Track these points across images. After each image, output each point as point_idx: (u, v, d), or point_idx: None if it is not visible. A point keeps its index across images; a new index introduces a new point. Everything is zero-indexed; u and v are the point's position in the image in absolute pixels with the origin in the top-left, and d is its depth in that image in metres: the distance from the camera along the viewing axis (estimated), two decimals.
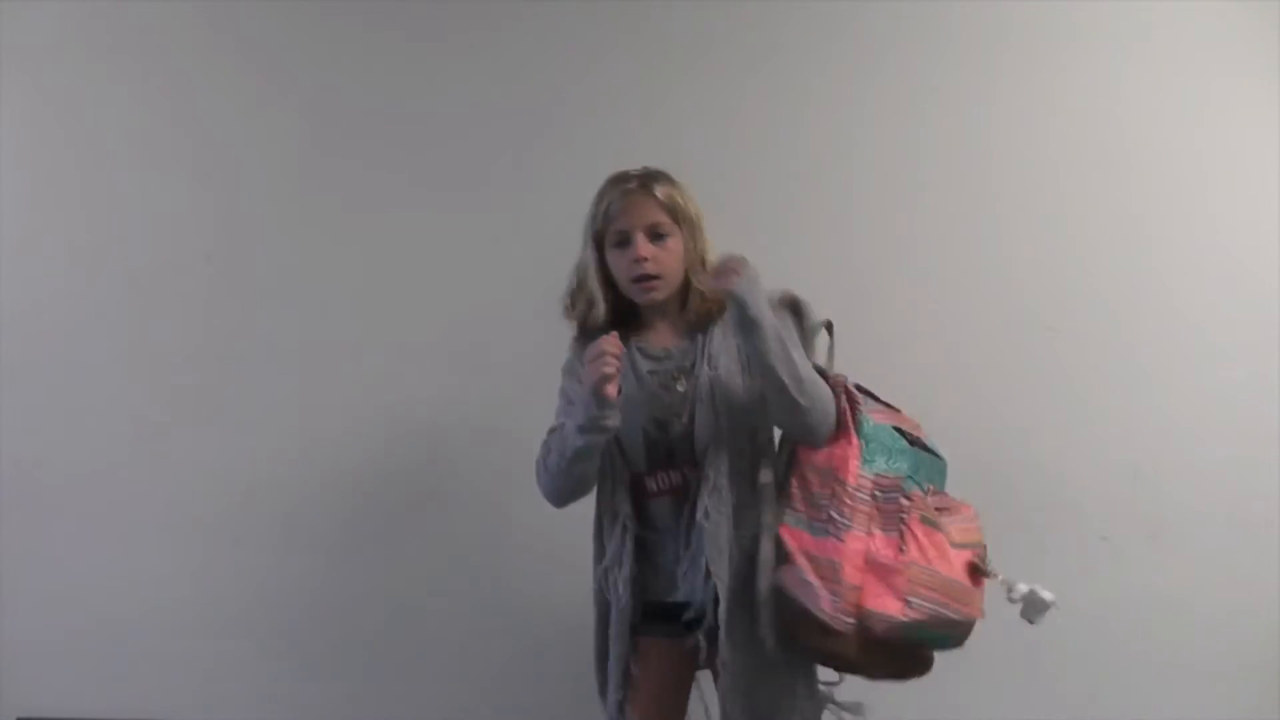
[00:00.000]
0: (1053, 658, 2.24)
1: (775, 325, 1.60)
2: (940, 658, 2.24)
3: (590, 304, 1.75)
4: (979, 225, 2.25)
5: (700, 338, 1.73)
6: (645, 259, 1.67)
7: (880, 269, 2.26)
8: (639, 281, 1.69)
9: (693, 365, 1.71)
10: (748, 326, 1.58)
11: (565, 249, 2.27)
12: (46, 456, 2.30)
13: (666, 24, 2.27)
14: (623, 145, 2.26)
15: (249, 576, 2.29)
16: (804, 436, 1.67)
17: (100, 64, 2.29)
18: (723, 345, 1.71)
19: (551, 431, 1.77)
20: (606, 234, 1.72)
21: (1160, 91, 2.25)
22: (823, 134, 2.26)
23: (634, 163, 2.21)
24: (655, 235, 1.69)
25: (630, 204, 1.69)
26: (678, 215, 1.70)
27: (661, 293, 1.71)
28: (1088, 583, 2.23)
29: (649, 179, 1.73)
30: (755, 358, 1.60)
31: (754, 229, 2.13)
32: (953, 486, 2.24)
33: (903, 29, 2.26)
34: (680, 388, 1.70)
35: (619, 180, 1.73)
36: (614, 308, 1.75)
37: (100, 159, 2.30)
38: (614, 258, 1.71)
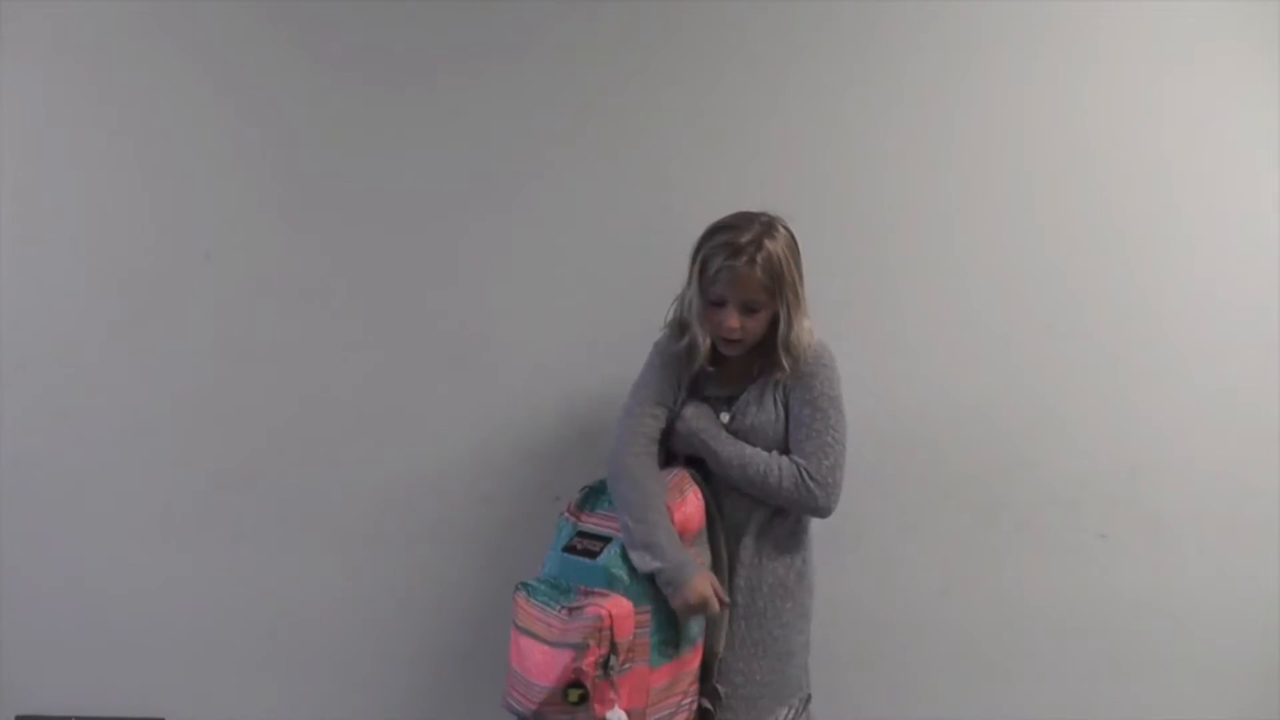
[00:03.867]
0: (1052, 656, 2.25)
1: (716, 449, 1.82)
2: (939, 657, 2.26)
3: (692, 344, 1.83)
4: (978, 225, 2.25)
5: (753, 383, 1.86)
6: (734, 328, 1.78)
7: (879, 269, 2.25)
8: (725, 341, 1.82)
9: (735, 403, 1.86)
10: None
11: (566, 248, 2.28)
12: (45, 455, 2.29)
13: (684, 26, 2.26)
14: (628, 145, 2.27)
15: (248, 575, 2.28)
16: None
17: (100, 63, 2.28)
18: (760, 396, 1.84)
19: (634, 439, 1.87)
20: (707, 288, 1.79)
21: (1159, 92, 2.25)
22: (827, 138, 2.25)
23: (642, 167, 2.25)
24: (748, 309, 1.78)
25: (735, 277, 1.76)
26: (776, 288, 1.77)
27: (740, 351, 1.83)
28: (1086, 581, 2.24)
29: (758, 252, 1.75)
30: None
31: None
32: (953, 486, 2.26)
33: (892, 34, 2.26)
34: (724, 418, 1.86)
35: (732, 248, 1.76)
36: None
37: (99, 157, 2.29)
38: (710, 311, 1.80)
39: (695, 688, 1.79)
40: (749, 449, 1.81)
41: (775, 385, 1.84)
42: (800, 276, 1.80)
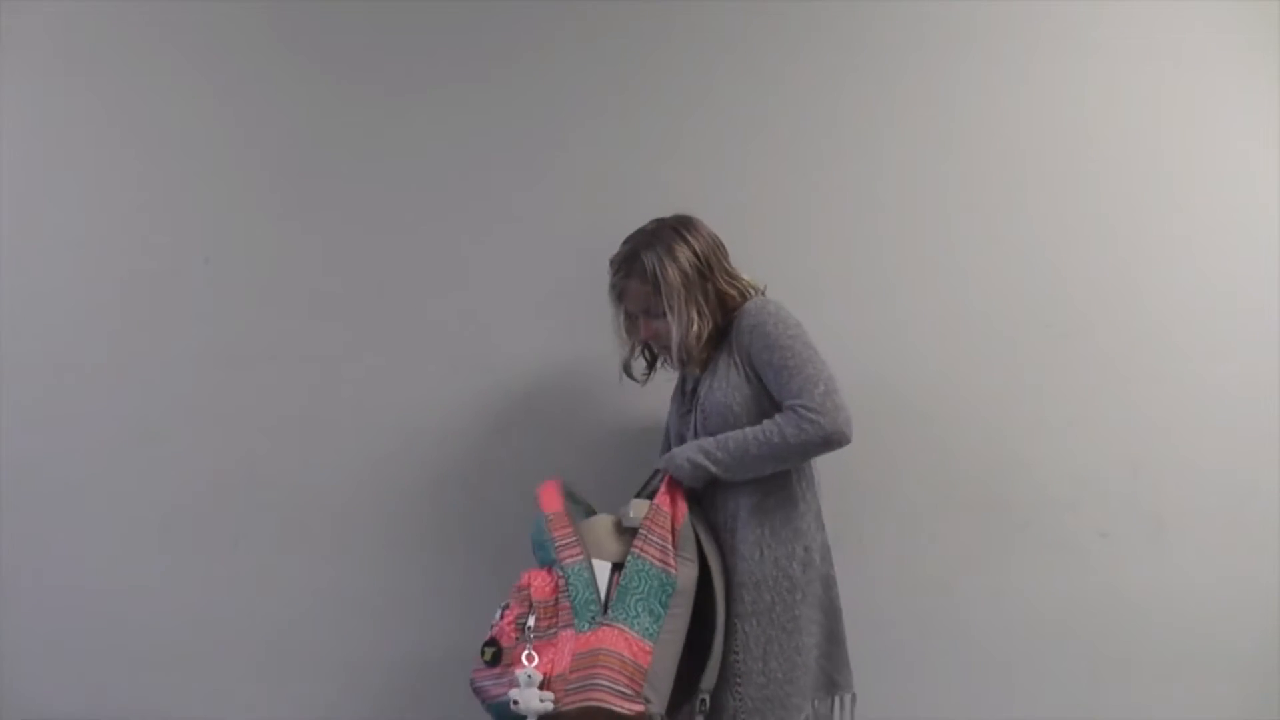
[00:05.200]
0: (1053, 654, 2.24)
1: (713, 457, 1.79)
2: (940, 656, 2.26)
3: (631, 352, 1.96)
4: (977, 224, 2.25)
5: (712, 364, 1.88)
6: (648, 337, 1.90)
7: (880, 269, 2.26)
8: (657, 348, 1.93)
9: (699, 381, 1.89)
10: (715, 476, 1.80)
11: (567, 250, 2.29)
12: (46, 460, 2.29)
13: (679, 27, 2.27)
14: (628, 147, 2.28)
15: (249, 578, 2.28)
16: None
17: (100, 64, 2.29)
18: (714, 365, 1.86)
19: None
20: (616, 304, 1.91)
21: (1160, 91, 2.25)
22: (824, 138, 2.26)
23: (641, 168, 2.25)
24: (652, 315, 1.86)
25: (624, 292, 1.88)
26: (663, 291, 1.82)
27: (677, 355, 1.86)
28: (1087, 580, 2.24)
29: (630, 264, 1.86)
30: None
31: (758, 231, 2.16)
32: (953, 485, 2.26)
33: (891, 34, 2.26)
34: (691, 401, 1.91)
35: (614, 264, 1.89)
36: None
37: (99, 160, 2.30)
38: (631, 325, 1.92)
39: (636, 687, 1.62)
40: (735, 435, 1.78)
41: (728, 349, 1.84)
42: (695, 274, 1.83)
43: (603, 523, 1.82)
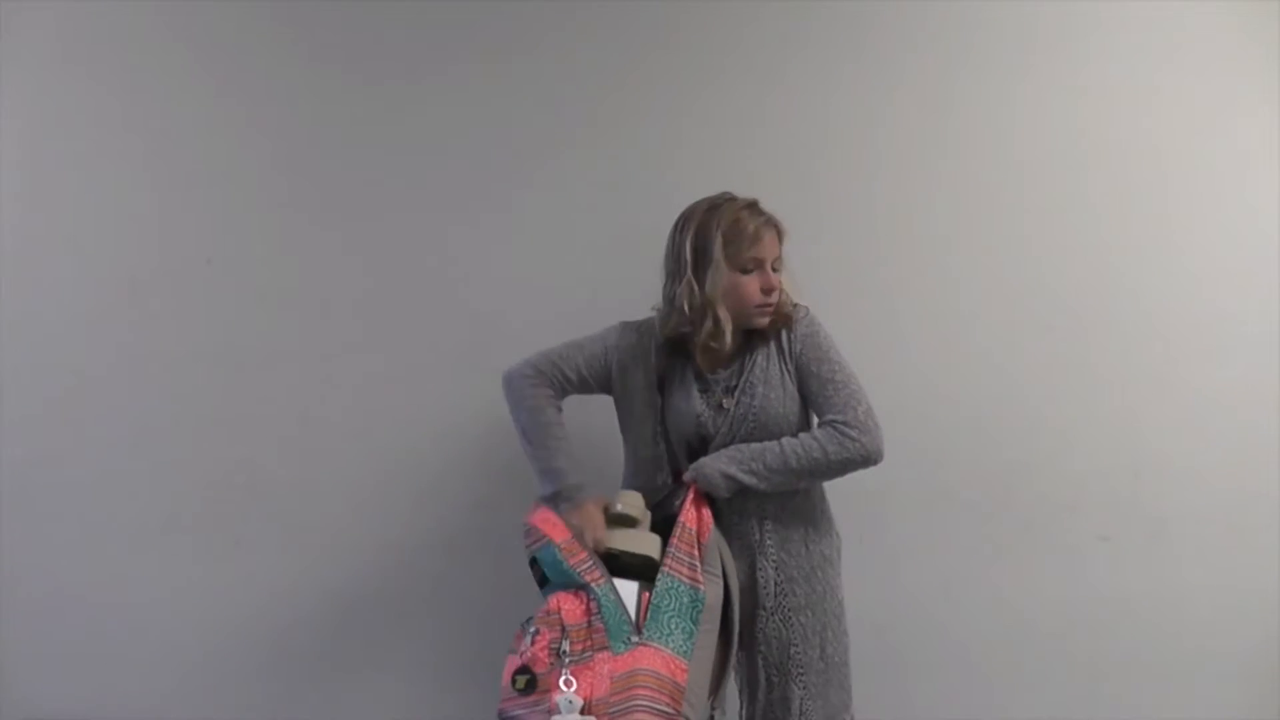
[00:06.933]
0: (1053, 658, 2.25)
1: (749, 469, 1.77)
2: (940, 659, 2.27)
3: (716, 328, 1.81)
4: (979, 225, 2.26)
5: (747, 360, 1.85)
6: (777, 285, 1.81)
7: (881, 268, 2.26)
8: (761, 307, 1.81)
9: (737, 386, 1.85)
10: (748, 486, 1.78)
11: (565, 252, 2.29)
12: (48, 461, 2.29)
13: (681, 27, 2.27)
14: (627, 147, 2.28)
15: (250, 579, 2.28)
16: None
17: (101, 65, 2.29)
18: (764, 373, 1.84)
19: (538, 375, 1.90)
20: (735, 256, 1.79)
21: (1160, 92, 2.26)
22: (822, 139, 2.27)
23: (641, 167, 2.26)
24: (776, 269, 1.83)
25: (769, 236, 1.81)
26: (781, 250, 1.84)
27: (773, 315, 1.83)
28: (1088, 583, 2.25)
29: (770, 215, 1.84)
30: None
31: None
32: (954, 488, 2.26)
33: (889, 34, 2.27)
34: (726, 405, 1.84)
35: (754, 210, 1.82)
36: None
37: (101, 161, 2.30)
38: (737, 279, 1.80)
39: (676, 706, 1.62)
40: (772, 447, 1.78)
41: (780, 357, 1.85)
42: None
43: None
